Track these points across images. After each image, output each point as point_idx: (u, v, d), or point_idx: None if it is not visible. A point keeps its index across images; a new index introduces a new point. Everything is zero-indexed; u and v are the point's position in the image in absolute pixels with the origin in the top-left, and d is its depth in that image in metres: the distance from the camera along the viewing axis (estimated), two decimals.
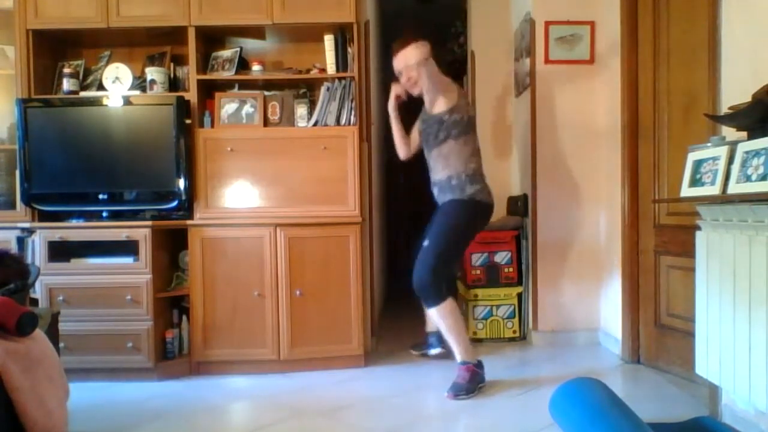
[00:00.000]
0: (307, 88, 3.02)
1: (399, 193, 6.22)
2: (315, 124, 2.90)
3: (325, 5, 2.83)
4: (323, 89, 2.90)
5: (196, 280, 2.80)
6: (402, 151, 2.94)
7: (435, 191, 2.76)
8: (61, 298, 2.65)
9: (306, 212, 2.84)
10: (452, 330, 2.56)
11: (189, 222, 2.82)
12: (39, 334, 1.65)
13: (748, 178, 1.61)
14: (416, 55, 2.58)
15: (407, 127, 2.95)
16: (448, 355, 2.76)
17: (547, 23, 3.28)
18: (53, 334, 1.97)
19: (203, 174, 2.85)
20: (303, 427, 2.18)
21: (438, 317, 2.57)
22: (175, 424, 2.22)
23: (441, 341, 2.84)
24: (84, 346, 2.65)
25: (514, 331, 3.42)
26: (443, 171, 2.67)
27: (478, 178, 2.68)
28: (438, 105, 2.63)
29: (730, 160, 1.72)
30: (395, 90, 2.80)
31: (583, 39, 3.28)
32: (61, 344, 2.35)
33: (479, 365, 2.56)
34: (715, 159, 1.79)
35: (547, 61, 3.29)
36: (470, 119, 2.71)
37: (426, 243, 2.60)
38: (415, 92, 2.70)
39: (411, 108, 2.90)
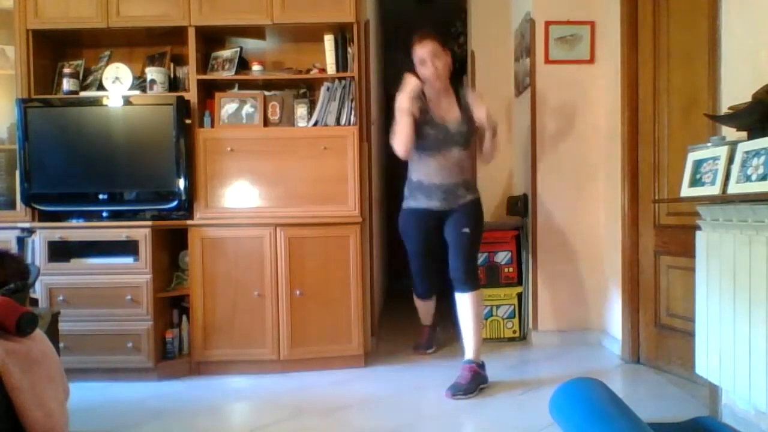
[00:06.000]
0: (307, 88, 3.02)
1: (399, 193, 6.20)
2: (315, 124, 2.90)
3: (325, 5, 2.83)
4: (323, 89, 2.90)
5: (196, 280, 2.80)
6: (406, 149, 2.60)
7: (460, 191, 2.69)
8: (61, 298, 2.65)
9: (306, 212, 2.84)
10: (477, 320, 2.63)
11: (189, 222, 2.82)
12: (39, 334, 1.65)
13: (748, 178, 1.61)
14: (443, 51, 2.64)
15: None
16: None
17: (547, 23, 3.28)
18: (53, 334, 1.97)
19: (203, 174, 2.85)
20: (303, 427, 2.18)
21: (471, 303, 2.61)
22: (175, 424, 2.22)
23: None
24: (84, 346, 2.65)
25: (514, 331, 3.42)
26: (468, 172, 2.80)
27: None
28: (477, 108, 2.63)
29: (730, 160, 1.72)
30: (413, 84, 2.54)
31: (583, 39, 3.28)
32: (61, 344, 2.34)
33: (482, 366, 2.58)
34: (715, 159, 1.80)
35: (547, 61, 3.29)
36: None
37: (467, 230, 2.67)
38: (436, 85, 2.61)
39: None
